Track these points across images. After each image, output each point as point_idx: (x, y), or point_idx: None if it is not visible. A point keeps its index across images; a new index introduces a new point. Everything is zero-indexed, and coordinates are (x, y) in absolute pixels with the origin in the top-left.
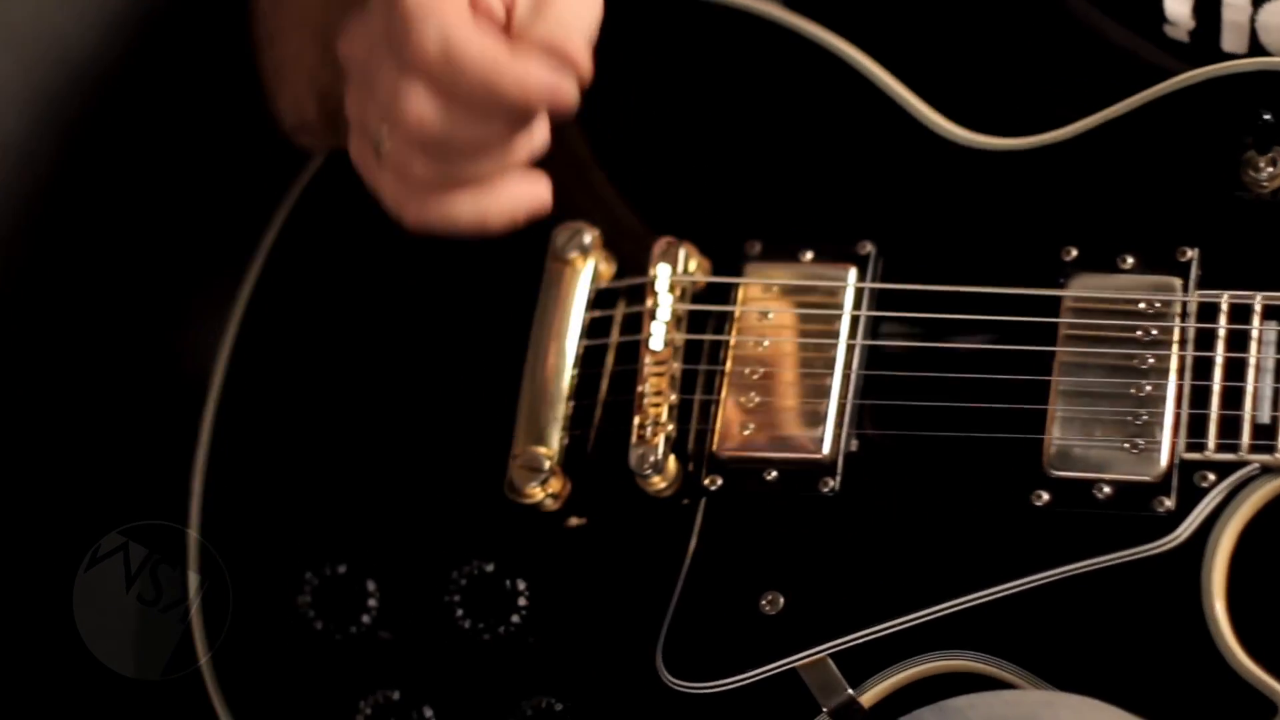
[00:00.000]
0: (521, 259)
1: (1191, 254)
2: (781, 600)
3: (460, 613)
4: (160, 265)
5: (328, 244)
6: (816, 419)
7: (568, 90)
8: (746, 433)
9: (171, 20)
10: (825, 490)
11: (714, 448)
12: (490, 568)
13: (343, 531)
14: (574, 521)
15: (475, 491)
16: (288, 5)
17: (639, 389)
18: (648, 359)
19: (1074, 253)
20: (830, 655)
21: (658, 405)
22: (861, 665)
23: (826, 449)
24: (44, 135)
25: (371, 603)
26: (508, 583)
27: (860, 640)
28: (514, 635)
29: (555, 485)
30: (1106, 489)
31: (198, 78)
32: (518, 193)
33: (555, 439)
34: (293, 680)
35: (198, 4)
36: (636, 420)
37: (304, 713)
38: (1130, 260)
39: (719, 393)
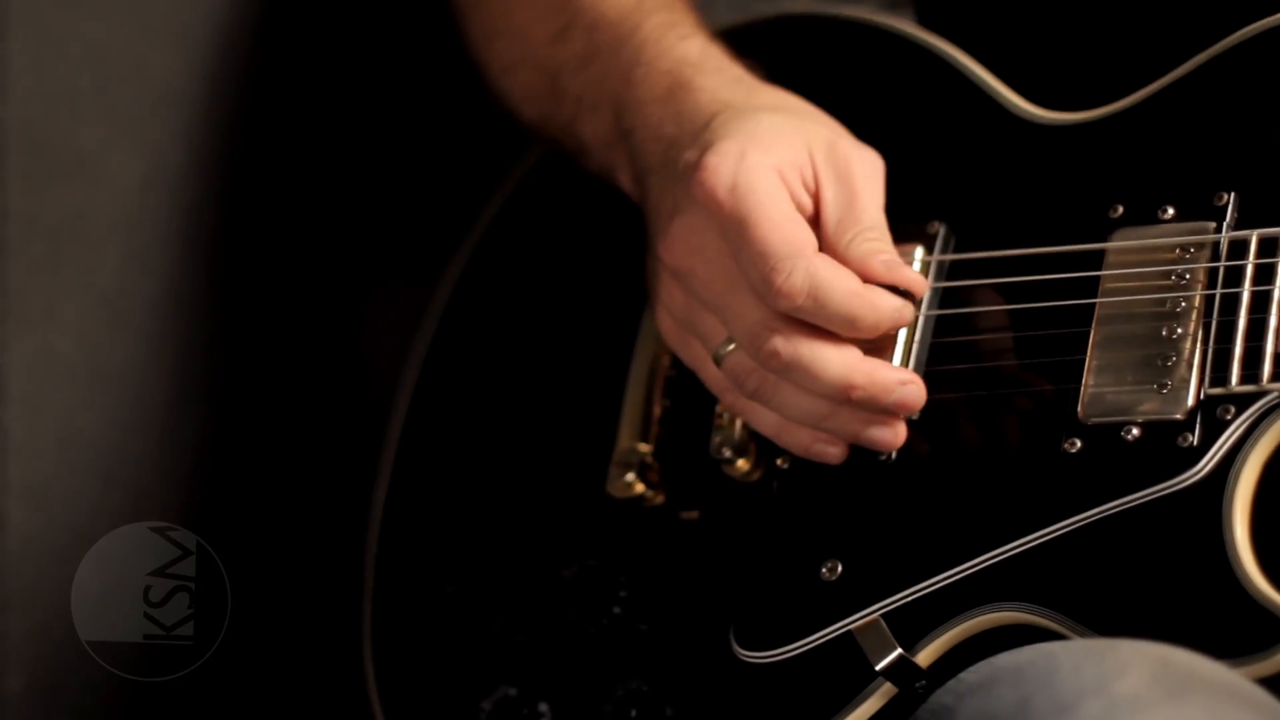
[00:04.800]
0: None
1: (1228, 197)
2: (840, 567)
3: (568, 608)
4: (349, 263)
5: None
6: None
7: (910, 314)
8: None
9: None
10: (882, 459)
11: None
12: (594, 563)
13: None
14: (686, 515)
15: (583, 492)
16: (506, 32)
17: None
18: None
19: (1120, 209)
20: (883, 616)
21: None
22: (914, 626)
23: None
24: (215, 130)
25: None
26: (609, 576)
27: (909, 599)
28: (619, 625)
29: (653, 479)
30: (1135, 430)
31: (379, 71)
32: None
33: (651, 436)
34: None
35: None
36: (717, 409)
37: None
38: (1171, 211)
39: None
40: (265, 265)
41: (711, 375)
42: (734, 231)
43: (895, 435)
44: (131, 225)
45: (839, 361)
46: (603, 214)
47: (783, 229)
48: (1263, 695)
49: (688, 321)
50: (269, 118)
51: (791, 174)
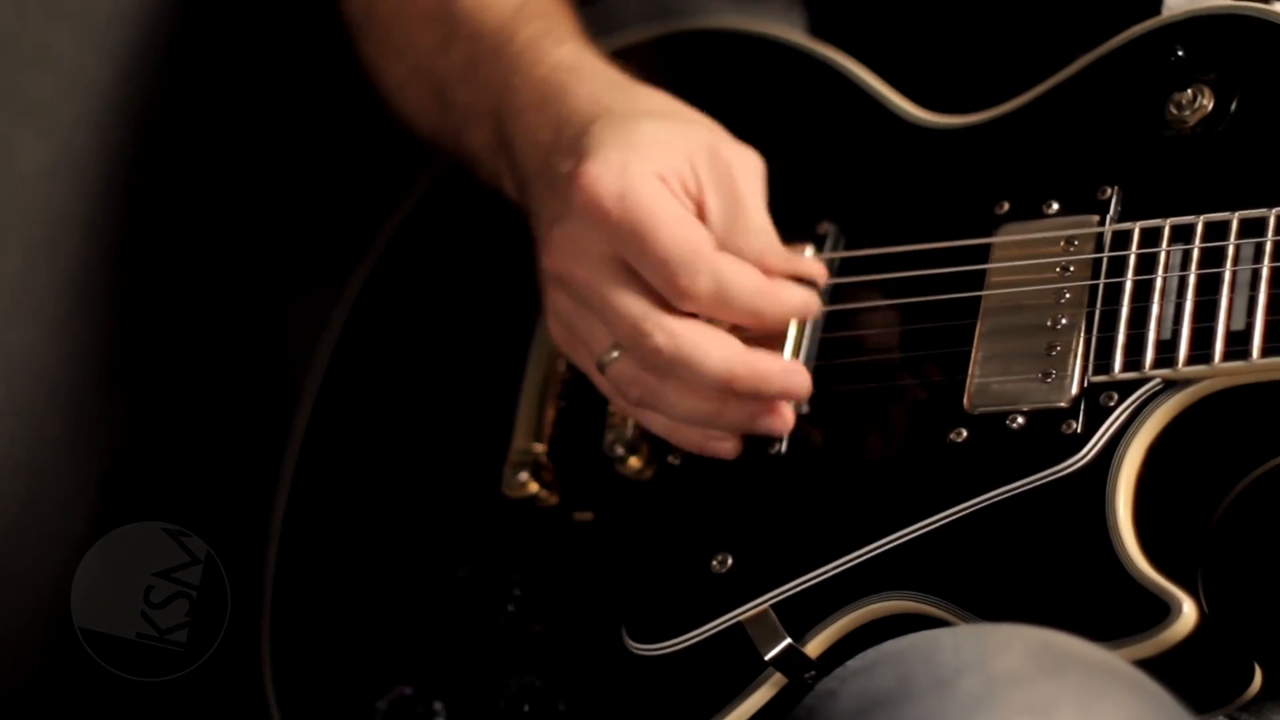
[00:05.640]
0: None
1: (1111, 191)
2: (730, 559)
3: (463, 607)
4: (261, 264)
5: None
6: None
7: (816, 304)
8: None
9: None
10: (773, 452)
11: None
12: (488, 563)
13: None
14: (579, 516)
15: (478, 493)
16: (396, 48)
17: None
18: None
19: (1006, 206)
20: (772, 607)
21: None
22: (804, 616)
23: None
24: (122, 118)
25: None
26: (504, 576)
27: (798, 589)
28: (513, 623)
29: (547, 479)
30: (1020, 419)
31: (296, 71)
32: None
33: (545, 436)
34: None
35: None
36: (610, 408)
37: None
38: (1055, 205)
39: None
40: (171, 257)
41: (600, 380)
42: (629, 241)
43: (783, 421)
44: (36, 213)
45: (720, 354)
46: (506, 220)
47: (679, 232)
48: (1139, 676)
49: (573, 328)
50: (178, 107)
51: (674, 182)
